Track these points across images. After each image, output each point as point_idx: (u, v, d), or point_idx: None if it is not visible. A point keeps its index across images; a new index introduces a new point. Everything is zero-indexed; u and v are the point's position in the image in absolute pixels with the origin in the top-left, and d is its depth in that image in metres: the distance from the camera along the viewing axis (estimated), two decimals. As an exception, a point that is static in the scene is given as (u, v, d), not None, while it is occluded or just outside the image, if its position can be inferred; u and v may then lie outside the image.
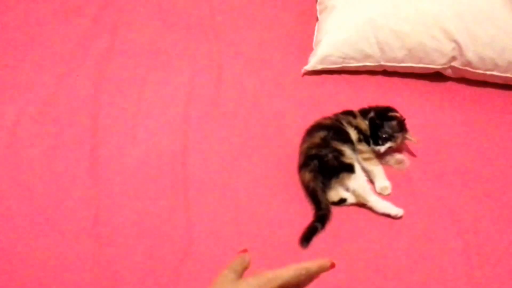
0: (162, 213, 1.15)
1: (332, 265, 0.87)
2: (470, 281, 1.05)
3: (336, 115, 1.30)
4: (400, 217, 1.15)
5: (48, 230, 1.11)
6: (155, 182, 1.21)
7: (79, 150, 1.27)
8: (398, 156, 1.27)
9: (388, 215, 1.15)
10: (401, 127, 1.25)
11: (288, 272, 0.83)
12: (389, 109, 1.27)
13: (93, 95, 1.41)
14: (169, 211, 1.15)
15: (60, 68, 1.49)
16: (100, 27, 1.63)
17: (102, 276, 1.03)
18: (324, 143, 1.20)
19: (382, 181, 1.20)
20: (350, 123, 1.27)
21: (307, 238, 1.09)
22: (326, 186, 1.17)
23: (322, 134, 1.22)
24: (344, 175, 1.17)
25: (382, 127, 1.24)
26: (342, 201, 1.16)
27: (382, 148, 1.24)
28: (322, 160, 1.17)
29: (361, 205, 1.16)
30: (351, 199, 1.16)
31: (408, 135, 1.26)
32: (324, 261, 0.87)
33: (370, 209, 1.16)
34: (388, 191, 1.19)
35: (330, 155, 1.18)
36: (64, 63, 1.50)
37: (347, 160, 1.19)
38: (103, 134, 1.31)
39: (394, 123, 1.24)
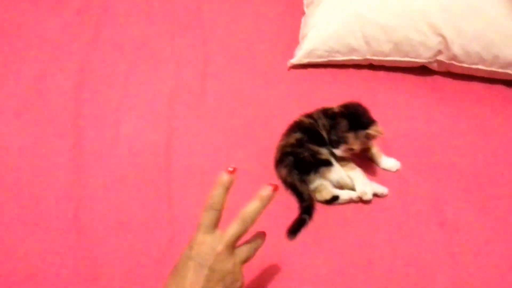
0: (144, 207, 1.14)
1: (275, 188, 0.89)
2: (452, 271, 1.05)
3: (318, 113, 1.24)
4: (386, 195, 1.16)
5: (29, 224, 1.10)
6: (138, 175, 1.20)
7: (61, 144, 1.26)
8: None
9: (375, 195, 1.16)
10: (353, 124, 1.14)
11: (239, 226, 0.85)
12: (342, 106, 1.17)
13: (76, 89, 1.40)
14: (152, 205, 1.15)
15: (43, 60, 1.48)
16: (84, 20, 1.63)
17: (83, 269, 1.02)
18: (299, 144, 1.18)
19: (360, 187, 1.15)
20: (324, 126, 1.21)
21: (294, 230, 1.09)
22: (306, 182, 1.16)
23: (298, 135, 1.20)
24: (323, 169, 1.16)
25: (332, 128, 1.16)
26: (335, 199, 1.15)
27: (337, 152, 1.17)
28: (298, 157, 1.17)
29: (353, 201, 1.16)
30: (344, 195, 1.15)
31: (372, 130, 1.14)
32: (266, 191, 0.88)
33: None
34: (367, 196, 1.14)
35: (306, 153, 1.16)
36: (47, 55, 1.49)
37: (323, 157, 1.17)
38: (86, 127, 1.30)
39: (340, 121, 1.14)
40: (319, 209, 1.14)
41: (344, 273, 1.04)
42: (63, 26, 1.59)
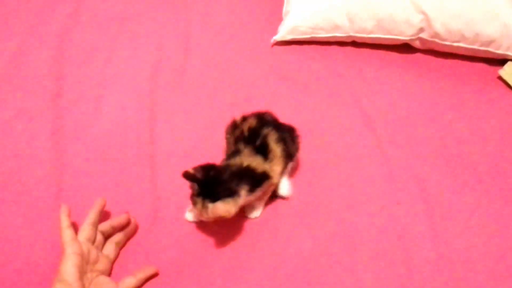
0: (128, 184, 1.13)
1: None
2: (436, 247, 1.07)
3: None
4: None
5: (8, 202, 1.09)
6: (121, 153, 1.19)
7: (41, 120, 1.24)
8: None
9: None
10: (204, 192, 0.96)
11: None
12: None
13: (56, 64, 1.37)
14: (135, 184, 1.14)
15: (22, 34, 1.44)
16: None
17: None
18: None
19: (285, 190, 1.11)
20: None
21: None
22: None
23: None
24: None
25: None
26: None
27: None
28: None
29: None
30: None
31: (218, 206, 0.94)
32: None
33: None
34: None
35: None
36: (26, 29, 1.46)
37: None
38: (66, 104, 1.28)
39: (193, 185, 0.99)
40: (303, 186, 1.15)
41: (328, 250, 1.05)
42: (42, -1, 1.56)
